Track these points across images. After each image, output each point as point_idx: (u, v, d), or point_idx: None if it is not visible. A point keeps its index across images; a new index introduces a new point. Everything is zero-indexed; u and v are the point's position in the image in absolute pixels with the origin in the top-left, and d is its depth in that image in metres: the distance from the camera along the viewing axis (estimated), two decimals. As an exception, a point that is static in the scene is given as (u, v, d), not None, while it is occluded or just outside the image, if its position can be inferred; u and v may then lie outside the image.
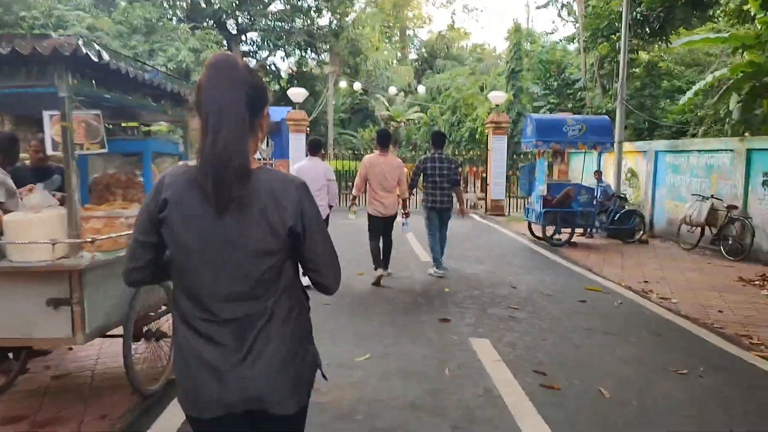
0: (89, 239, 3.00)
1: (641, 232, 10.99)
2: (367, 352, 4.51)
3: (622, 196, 11.26)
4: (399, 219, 7.44)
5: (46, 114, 3.01)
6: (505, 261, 8.81)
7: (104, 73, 3.19)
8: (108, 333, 3.49)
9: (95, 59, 2.89)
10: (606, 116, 11.71)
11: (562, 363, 4.33)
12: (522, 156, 18.80)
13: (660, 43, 15.38)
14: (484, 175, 17.69)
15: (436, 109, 31.24)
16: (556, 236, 10.66)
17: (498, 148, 16.63)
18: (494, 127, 16.55)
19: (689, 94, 14.11)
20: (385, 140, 7.16)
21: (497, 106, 17.04)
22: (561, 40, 24.86)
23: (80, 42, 2.79)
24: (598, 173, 11.05)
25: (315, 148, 7.00)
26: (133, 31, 21.01)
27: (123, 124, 4.33)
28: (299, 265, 1.63)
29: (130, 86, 3.55)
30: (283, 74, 30.99)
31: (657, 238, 11.59)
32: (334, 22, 26.88)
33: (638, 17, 14.74)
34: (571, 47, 25.77)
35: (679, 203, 11.16)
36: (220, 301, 1.49)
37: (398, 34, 49.43)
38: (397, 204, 7.15)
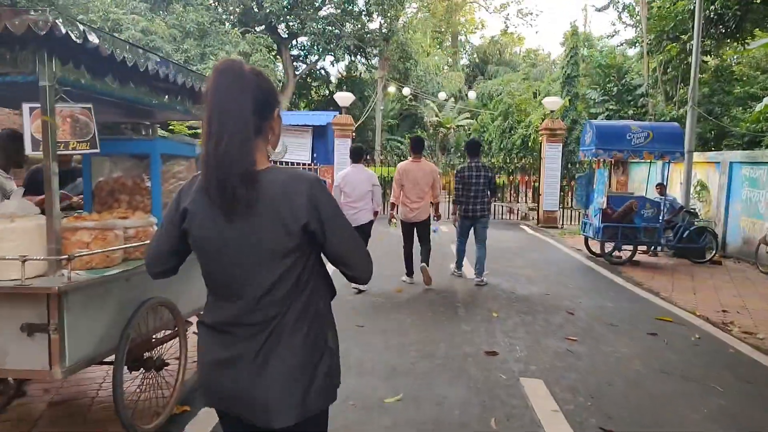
0: (67, 256, 2.52)
1: (713, 251, 9.93)
2: (399, 391, 3.89)
3: (691, 211, 10.23)
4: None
5: (25, 107, 2.57)
6: (560, 281, 8.01)
7: (98, 61, 2.72)
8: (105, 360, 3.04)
9: (78, 41, 2.42)
10: (676, 123, 10.71)
11: (636, 419, 3.57)
12: (578, 165, 17.80)
13: (736, 44, 14.13)
14: (536, 184, 16.79)
15: (487, 116, 30.33)
16: (616, 253, 9.77)
17: (552, 156, 15.73)
18: (548, 135, 15.66)
19: (767, 100, 12.87)
20: (418, 146, 7.28)
21: (552, 112, 16.12)
22: (621, 44, 23.54)
23: (59, 20, 2.32)
24: (661, 186, 10.06)
25: (356, 155, 7.13)
26: (186, 35, 21.19)
27: (133, 122, 3.88)
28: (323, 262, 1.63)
29: (134, 77, 3.08)
30: (332, 79, 30.83)
31: (730, 258, 10.47)
32: (385, 26, 26.46)
33: (711, 16, 13.58)
34: (631, 52, 24.42)
35: (757, 221, 10.05)
36: (241, 304, 1.51)
37: (450, 39, 48.77)
38: (428, 209, 7.24)
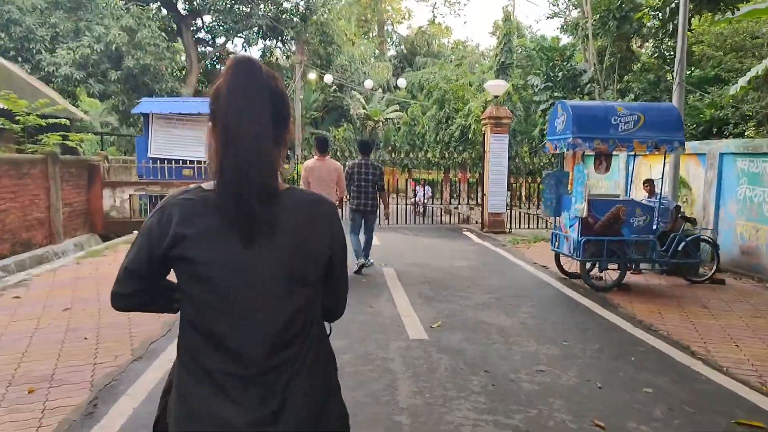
0: None
1: (714, 267, 7.82)
2: None
3: (688, 216, 8.07)
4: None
5: None
6: (543, 331, 5.46)
7: None
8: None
9: None
10: (671, 104, 8.54)
11: None
12: (533, 158, 15.63)
13: (718, 13, 12.27)
14: (473, 179, 14.50)
15: (418, 107, 28.01)
16: (596, 273, 7.47)
17: (497, 149, 13.40)
18: (493, 124, 13.32)
19: (742, 81, 10.99)
20: (323, 146, 7.66)
21: (496, 98, 13.83)
22: (561, 26, 21.71)
23: None
24: (650, 183, 7.88)
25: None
26: (54, 5, 17.32)
27: None
28: None
29: None
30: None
31: (725, 272, 8.42)
32: (302, 4, 23.43)
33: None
34: (565, 39, 22.75)
35: (762, 225, 8.05)
36: (251, 348, 1.26)
37: (376, 29, 46.50)
38: (335, 201, 7.36)
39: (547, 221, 14.31)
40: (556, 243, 7.88)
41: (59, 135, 11.45)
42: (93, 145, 19.30)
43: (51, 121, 11.26)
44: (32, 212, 10.39)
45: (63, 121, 11.35)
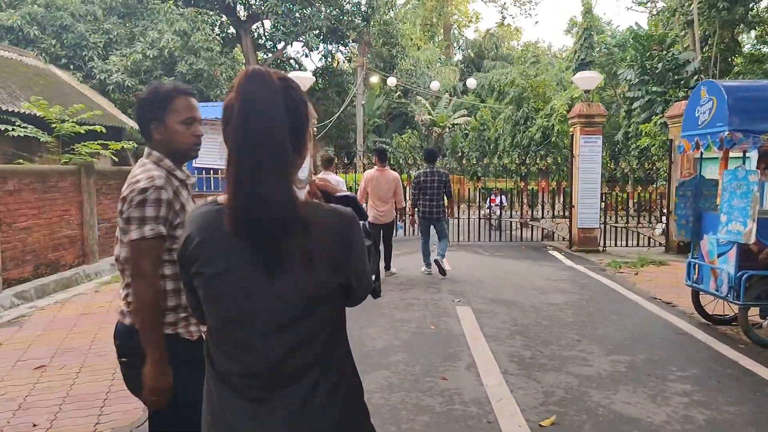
0: None
1: None
2: None
3: None
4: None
5: None
6: (706, 421, 3.49)
7: None
8: None
9: None
10: None
11: None
12: (617, 165, 13.33)
13: None
14: (565, 188, 12.39)
15: (487, 111, 25.97)
16: (757, 320, 5.36)
17: (589, 152, 11.31)
18: (583, 123, 11.24)
19: None
20: (382, 157, 7.90)
21: (586, 92, 11.71)
22: (658, 12, 19.10)
23: None
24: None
25: (327, 163, 8.16)
26: (108, 11, 16.73)
27: None
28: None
29: None
30: (306, 69, 26.34)
31: None
32: (364, 3, 22.02)
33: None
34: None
35: None
36: (266, 370, 1.22)
37: (442, 32, 44.91)
38: (393, 212, 7.93)
39: (649, 239, 11.98)
40: (695, 276, 5.79)
41: (97, 143, 10.41)
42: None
43: (86, 128, 10.20)
44: (61, 229, 9.31)
45: (99, 128, 10.28)
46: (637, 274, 8.60)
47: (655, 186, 14.40)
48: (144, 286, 1.77)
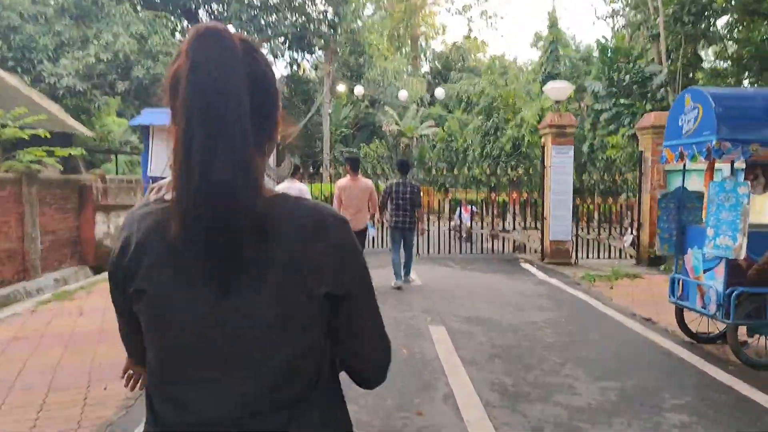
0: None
1: None
2: None
3: None
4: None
5: None
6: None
7: None
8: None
9: None
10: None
11: None
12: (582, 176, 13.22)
13: None
14: (535, 198, 12.17)
15: (455, 122, 25.83)
16: (745, 338, 5.10)
17: (560, 163, 11.11)
18: (554, 133, 11.05)
19: None
20: (354, 165, 7.94)
21: (557, 103, 11.55)
22: (622, 27, 19.26)
23: None
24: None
25: (294, 171, 8.15)
26: (60, 12, 15.88)
27: None
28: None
29: None
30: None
31: None
32: (330, 11, 21.65)
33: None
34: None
35: None
36: (220, 414, 0.92)
37: (409, 44, 45.02)
38: (365, 219, 7.78)
39: (620, 251, 11.83)
40: (679, 292, 5.50)
41: (42, 150, 9.65)
42: (123, 167, 17.81)
43: (29, 132, 9.44)
44: (-2, 243, 8.53)
45: (43, 132, 9.53)
46: (612, 287, 8.35)
47: (626, 197, 14.35)
48: None
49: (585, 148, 18.44)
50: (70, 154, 10.66)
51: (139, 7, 17.93)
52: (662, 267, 10.14)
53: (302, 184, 8.21)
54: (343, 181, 7.89)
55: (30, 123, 9.86)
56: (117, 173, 17.52)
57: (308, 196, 7.72)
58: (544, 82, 23.61)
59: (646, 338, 5.59)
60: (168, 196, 0.95)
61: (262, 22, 20.69)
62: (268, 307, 0.91)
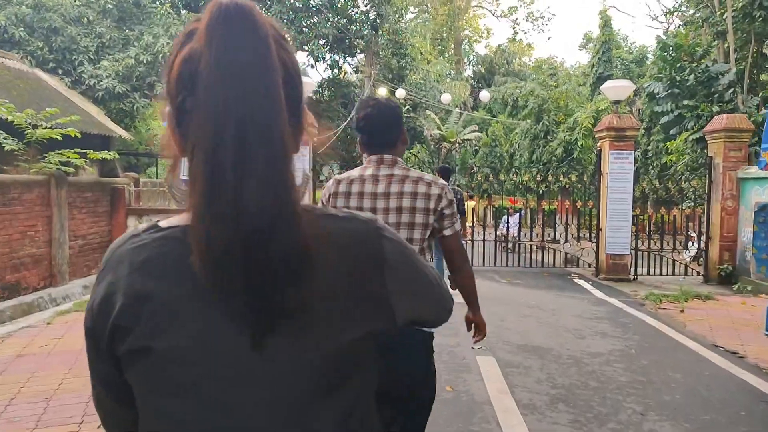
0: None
1: None
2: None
3: None
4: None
5: None
6: None
7: None
8: None
9: None
10: None
11: None
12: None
13: None
14: (592, 208, 11.22)
15: (499, 126, 24.90)
16: None
17: (619, 170, 10.17)
18: (613, 137, 10.12)
19: None
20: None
21: (616, 104, 10.58)
22: (684, 23, 17.96)
23: None
24: None
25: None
26: (103, 14, 15.85)
27: None
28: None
29: None
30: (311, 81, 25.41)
31: None
32: (372, 11, 21.12)
33: None
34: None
35: None
36: None
37: (452, 47, 44.37)
38: None
39: (686, 267, 10.73)
40: (778, 324, 4.60)
41: (74, 152, 9.36)
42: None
43: (59, 131, 9.14)
44: (24, 247, 8.22)
45: (73, 132, 9.22)
46: (683, 311, 7.39)
47: (682, 207, 13.22)
48: (469, 264, 2.27)
49: (638, 153, 17.31)
50: (102, 157, 10.38)
51: (180, 9, 17.76)
52: (735, 286, 9.06)
53: None
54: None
55: (63, 123, 9.59)
56: (158, 177, 17.42)
57: None
58: (595, 85, 22.53)
59: (736, 378, 4.68)
60: (164, 223, 0.77)
61: (303, 23, 20.32)
62: (307, 361, 0.73)
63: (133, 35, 15.65)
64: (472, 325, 2.45)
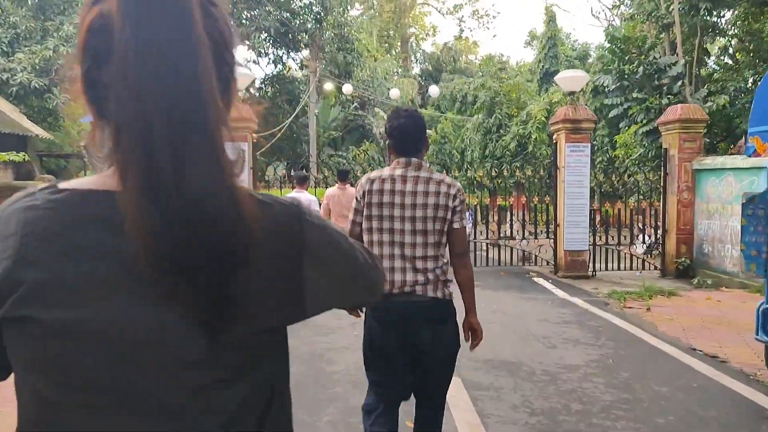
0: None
1: None
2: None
3: None
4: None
5: None
6: None
7: None
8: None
9: None
10: None
11: None
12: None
13: None
14: (546, 203, 10.85)
15: (448, 124, 24.56)
16: None
17: (576, 162, 9.82)
18: (569, 129, 9.76)
19: None
20: (343, 176, 7.89)
21: (571, 95, 10.23)
22: (630, 17, 18.03)
23: None
24: None
25: (302, 180, 8.10)
26: (17, 3, 14.41)
27: None
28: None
29: None
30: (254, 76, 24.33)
31: None
32: (316, 3, 20.30)
33: None
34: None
35: None
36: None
37: (399, 45, 44.06)
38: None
39: (644, 261, 10.50)
40: (766, 326, 4.17)
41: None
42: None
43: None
44: None
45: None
46: (649, 309, 7.02)
47: (635, 200, 13.10)
48: (470, 258, 2.66)
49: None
50: (11, 159, 9.21)
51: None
52: (695, 280, 8.86)
53: (310, 195, 8.28)
54: (332, 191, 7.83)
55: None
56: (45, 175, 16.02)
57: (317, 207, 7.26)
58: (542, 81, 22.49)
59: (728, 390, 4.22)
60: (65, 185, 0.70)
61: (244, 15, 19.29)
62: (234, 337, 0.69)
63: (52, 26, 14.30)
64: (469, 332, 2.70)
